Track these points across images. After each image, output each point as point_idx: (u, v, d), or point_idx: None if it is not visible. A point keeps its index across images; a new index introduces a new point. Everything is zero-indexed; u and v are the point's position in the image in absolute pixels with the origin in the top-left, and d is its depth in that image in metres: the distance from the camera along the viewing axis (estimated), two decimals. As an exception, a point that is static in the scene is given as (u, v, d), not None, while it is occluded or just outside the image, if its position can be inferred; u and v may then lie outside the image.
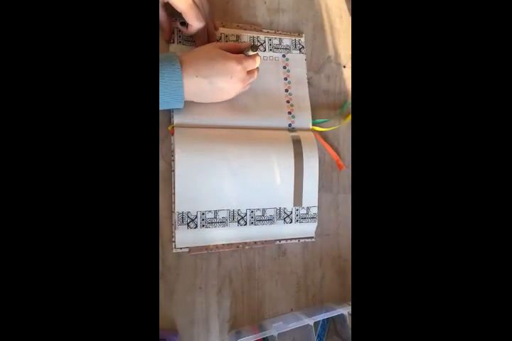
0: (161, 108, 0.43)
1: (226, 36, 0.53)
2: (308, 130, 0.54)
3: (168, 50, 0.49)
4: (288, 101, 0.54)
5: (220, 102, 0.48)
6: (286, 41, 0.56)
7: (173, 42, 0.50)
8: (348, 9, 0.62)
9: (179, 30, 0.49)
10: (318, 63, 0.59)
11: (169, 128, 0.47)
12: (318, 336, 0.53)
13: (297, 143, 0.51)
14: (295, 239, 0.53)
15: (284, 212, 0.51)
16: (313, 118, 0.55)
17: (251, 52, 0.45)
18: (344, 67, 0.60)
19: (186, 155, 0.45)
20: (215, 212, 0.47)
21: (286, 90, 0.54)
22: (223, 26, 0.53)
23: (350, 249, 0.56)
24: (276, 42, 0.55)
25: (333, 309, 0.49)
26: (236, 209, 0.48)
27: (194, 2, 0.44)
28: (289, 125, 0.53)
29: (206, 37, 0.49)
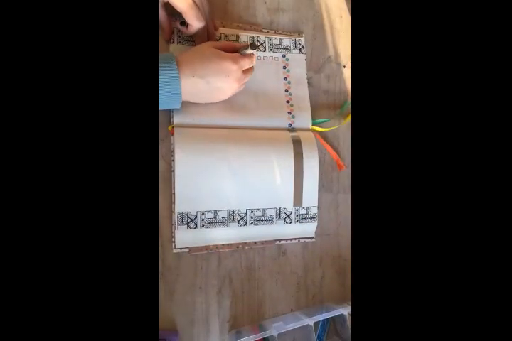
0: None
1: (226, 36, 0.53)
2: (308, 130, 0.54)
3: (168, 50, 0.49)
4: (288, 101, 0.54)
5: (219, 102, 0.48)
6: (286, 41, 0.56)
7: (173, 42, 0.50)
8: (348, 9, 0.62)
9: (179, 30, 0.49)
10: (318, 63, 0.59)
11: (169, 128, 0.47)
12: (318, 336, 0.53)
13: (297, 143, 0.51)
14: (295, 239, 0.53)
15: (284, 212, 0.51)
16: (313, 118, 0.55)
17: (247, 51, 0.45)
18: (344, 67, 0.60)
19: (186, 155, 0.45)
20: (215, 212, 0.47)
21: (286, 90, 0.54)
22: (223, 26, 0.53)
23: (350, 249, 0.56)
24: (276, 42, 0.55)
25: (333, 309, 0.49)
26: (236, 209, 0.48)
27: (194, 2, 0.44)
28: (289, 125, 0.53)
29: (206, 37, 0.49)
